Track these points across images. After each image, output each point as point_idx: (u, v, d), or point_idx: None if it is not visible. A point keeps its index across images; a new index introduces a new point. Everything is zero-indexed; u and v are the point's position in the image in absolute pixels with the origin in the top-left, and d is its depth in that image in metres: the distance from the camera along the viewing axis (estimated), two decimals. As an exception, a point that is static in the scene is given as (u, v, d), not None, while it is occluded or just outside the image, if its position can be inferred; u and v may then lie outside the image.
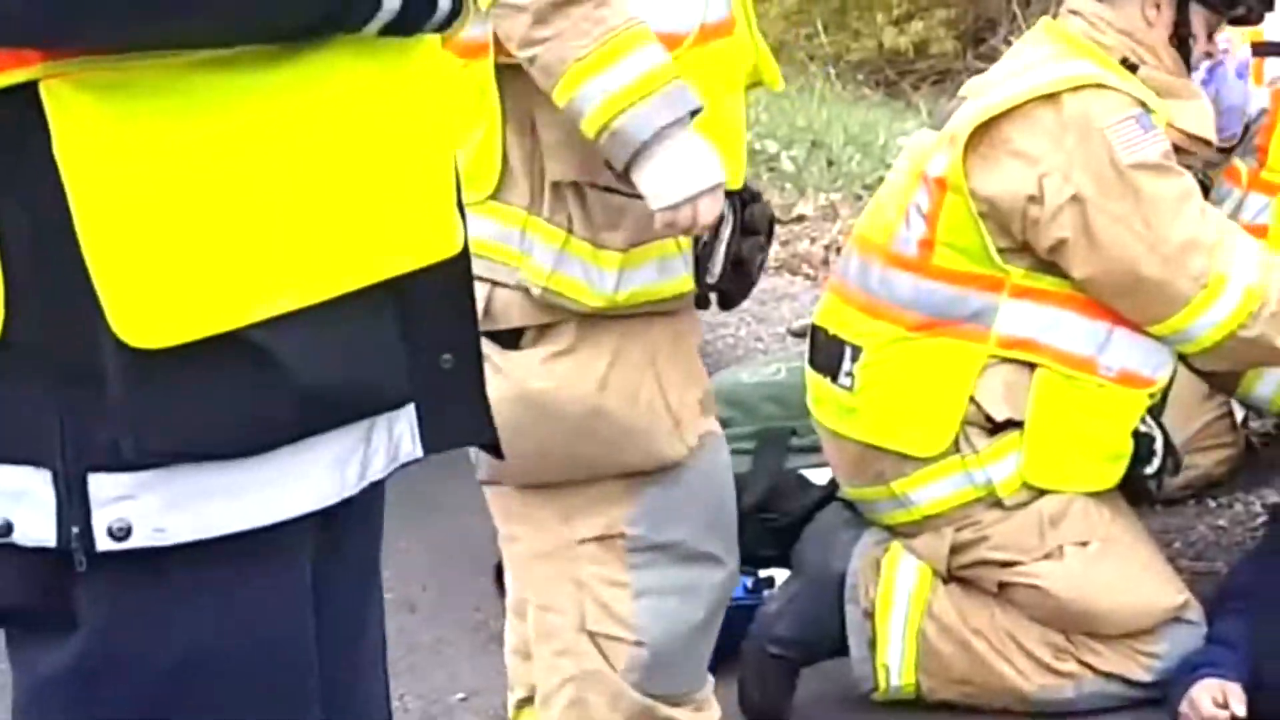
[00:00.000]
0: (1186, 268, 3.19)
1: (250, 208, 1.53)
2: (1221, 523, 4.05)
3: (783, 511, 3.77)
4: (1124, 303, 3.27)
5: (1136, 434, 3.36)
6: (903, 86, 12.53)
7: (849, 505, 3.56)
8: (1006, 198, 3.24)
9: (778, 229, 6.81)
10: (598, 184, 2.68)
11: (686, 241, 2.73)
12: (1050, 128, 3.24)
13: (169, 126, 1.50)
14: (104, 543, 1.49)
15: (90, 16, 1.44)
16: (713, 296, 2.90)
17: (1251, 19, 3.56)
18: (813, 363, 3.53)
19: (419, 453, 1.73)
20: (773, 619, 3.44)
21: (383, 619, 1.90)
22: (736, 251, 2.81)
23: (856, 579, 3.41)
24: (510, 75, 2.63)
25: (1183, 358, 3.39)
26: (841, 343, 3.42)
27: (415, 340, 1.68)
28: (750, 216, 2.83)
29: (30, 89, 1.46)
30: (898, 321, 3.35)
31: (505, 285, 2.69)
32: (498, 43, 2.60)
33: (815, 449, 3.70)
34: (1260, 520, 3.94)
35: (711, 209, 2.59)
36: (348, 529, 1.75)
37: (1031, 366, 3.30)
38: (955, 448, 3.31)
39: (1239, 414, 4.12)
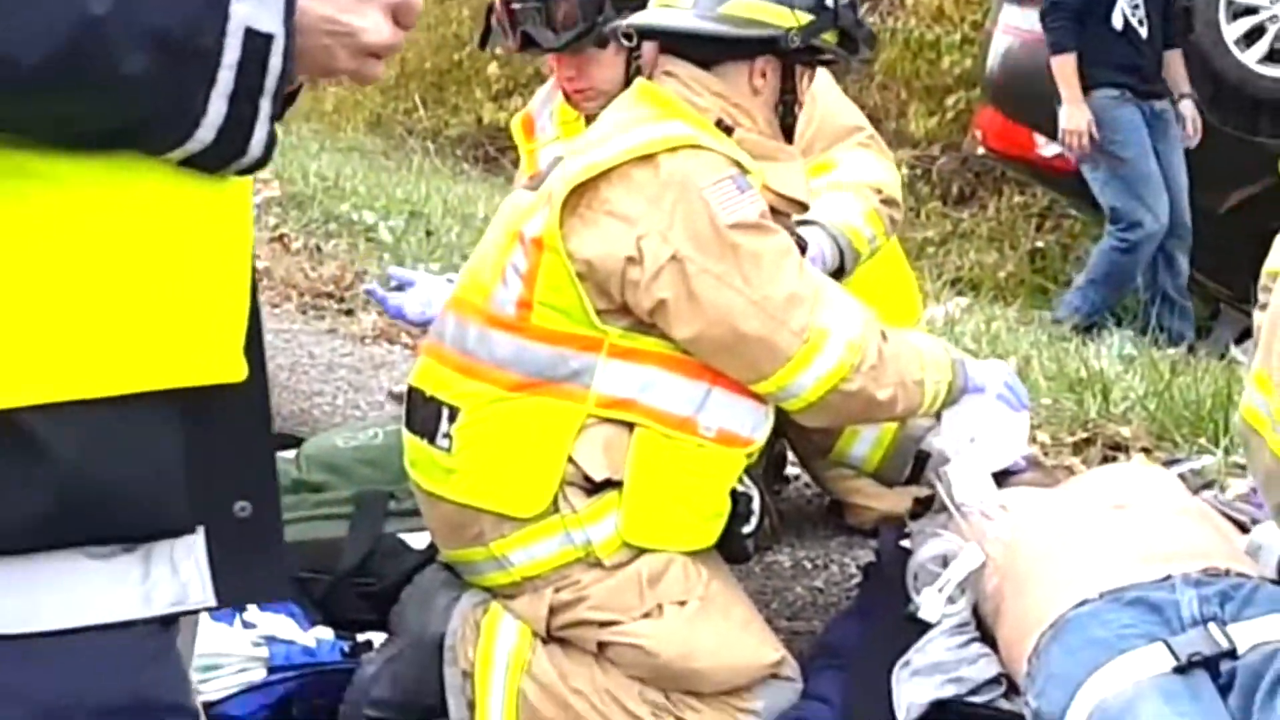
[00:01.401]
0: (787, 323, 3.21)
1: (28, 287, 1.49)
2: (818, 584, 4.10)
3: (380, 575, 3.69)
4: (727, 361, 3.27)
5: (734, 493, 3.38)
6: (502, 162, 12.61)
7: (448, 568, 3.49)
8: (604, 259, 3.22)
9: (377, 298, 6.78)
10: None
11: None
12: (647, 188, 3.23)
13: None
14: None
15: None
16: None
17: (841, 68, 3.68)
18: (410, 425, 3.46)
19: (211, 601, 1.67)
20: (370, 681, 3.36)
21: None
22: None
23: (455, 640, 3.35)
24: None
25: (783, 416, 3.42)
26: (439, 404, 3.36)
27: (205, 477, 1.63)
28: None
29: None
30: (496, 382, 3.30)
31: None
32: None
33: (413, 513, 3.62)
34: (854, 581, 4.00)
35: None
36: None
37: (630, 426, 3.28)
38: (555, 508, 3.27)
39: None
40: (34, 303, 1.50)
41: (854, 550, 4.19)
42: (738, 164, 3.29)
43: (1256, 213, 7.65)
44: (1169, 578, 3.04)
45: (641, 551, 3.30)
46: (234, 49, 1.52)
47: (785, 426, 3.61)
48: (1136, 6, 7.48)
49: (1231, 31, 8.08)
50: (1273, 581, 3.11)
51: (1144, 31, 7.50)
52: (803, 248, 3.45)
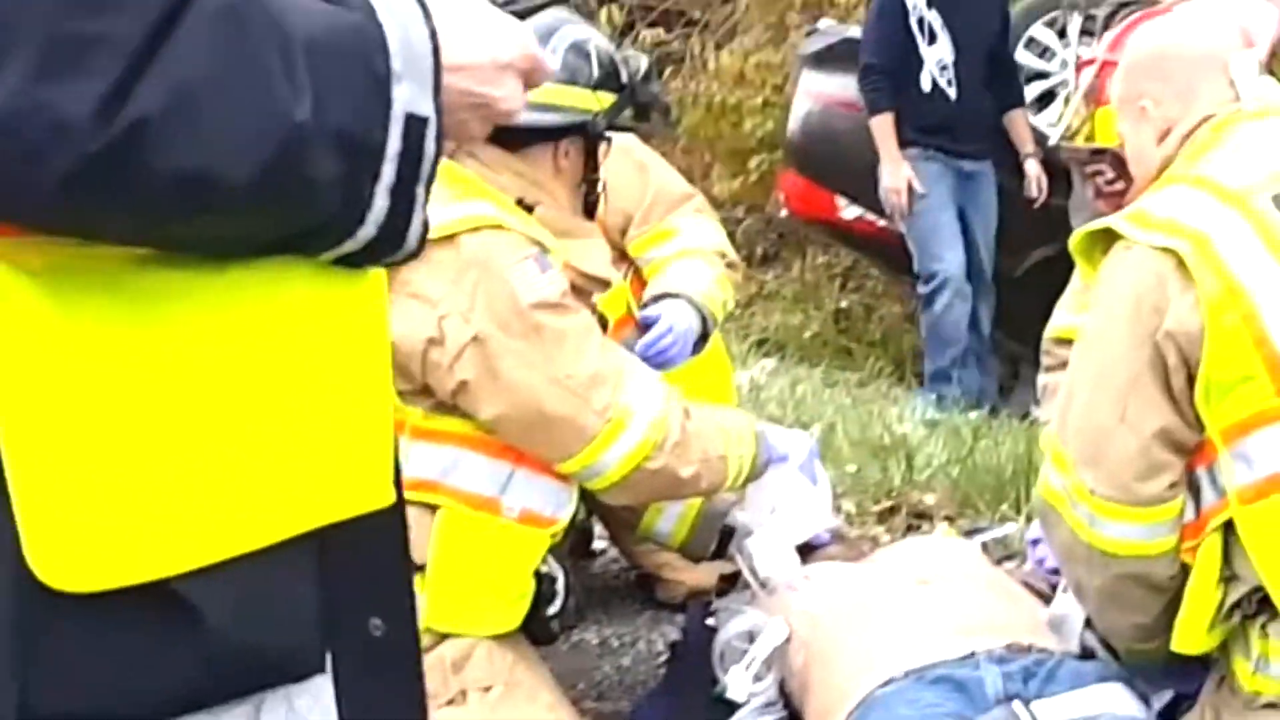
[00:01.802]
0: (591, 403, 3.19)
1: (192, 431, 1.35)
2: (625, 662, 4.07)
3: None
4: (531, 442, 3.23)
5: (539, 574, 3.34)
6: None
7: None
8: (405, 340, 3.17)
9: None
10: None
11: None
12: (448, 269, 3.19)
13: (113, 332, 1.32)
14: None
15: (109, 211, 1.25)
16: None
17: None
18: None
19: None
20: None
21: None
22: None
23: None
24: None
25: (586, 495, 3.39)
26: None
27: (336, 600, 1.48)
28: None
29: None
30: (297, 468, 3.23)
31: None
32: None
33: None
34: (662, 658, 3.97)
35: None
36: None
37: (434, 509, 3.23)
38: (356, 596, 3.21)
39: None
40: (185, 449, 1.34)
41: (662, 626, 4.17)
42: (539, 243, 3.26)
43: (1053, 273, 7.75)
44: (972, 654, 3.05)
45: (444, 637, 3.24)
46: (396, 138, 1.41)
47: (592, 501, 3.59)
48: (945, 69, 7.59)
49: (1026, 94, 8.21)
50: (1075, 656, 3.13)
51: (952, 93, 7.60)
52: (605, 325, 3.44)
